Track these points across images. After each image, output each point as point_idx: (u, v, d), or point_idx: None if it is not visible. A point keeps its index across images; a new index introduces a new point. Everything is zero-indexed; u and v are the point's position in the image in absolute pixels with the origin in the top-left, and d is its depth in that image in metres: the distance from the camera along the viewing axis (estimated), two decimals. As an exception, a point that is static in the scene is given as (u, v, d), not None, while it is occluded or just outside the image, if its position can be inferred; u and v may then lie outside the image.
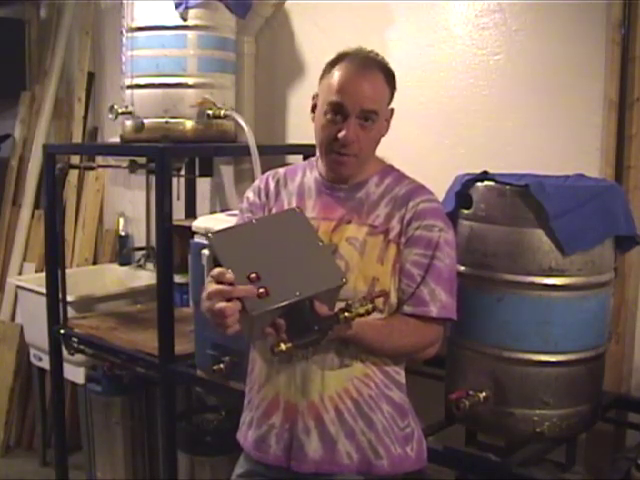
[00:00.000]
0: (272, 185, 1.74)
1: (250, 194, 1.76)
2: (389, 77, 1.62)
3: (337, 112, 1.57)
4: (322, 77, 1.63)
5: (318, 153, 1.66)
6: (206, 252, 2.28)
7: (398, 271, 1.59)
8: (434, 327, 1.62)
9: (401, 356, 1.66)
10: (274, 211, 1.70)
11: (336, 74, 1.58)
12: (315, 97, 1.65)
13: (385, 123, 1.65)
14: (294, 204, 1.67)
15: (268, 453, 1.65)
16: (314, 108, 1.65)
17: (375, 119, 1.58)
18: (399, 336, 1.60)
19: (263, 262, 1.44)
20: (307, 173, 1.72)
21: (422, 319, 1.59)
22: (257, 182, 1.78)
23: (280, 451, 1.63)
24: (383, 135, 1.66)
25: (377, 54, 1.64)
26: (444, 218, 1.65)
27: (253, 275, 1.40)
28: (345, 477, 1.61)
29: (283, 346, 1.39)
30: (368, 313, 1.45)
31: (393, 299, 1.60)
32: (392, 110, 1.67)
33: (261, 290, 1.38)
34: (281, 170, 1.78)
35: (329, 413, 1.59)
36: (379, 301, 1.53)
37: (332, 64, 1.61)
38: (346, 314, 1.43)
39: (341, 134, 1.56)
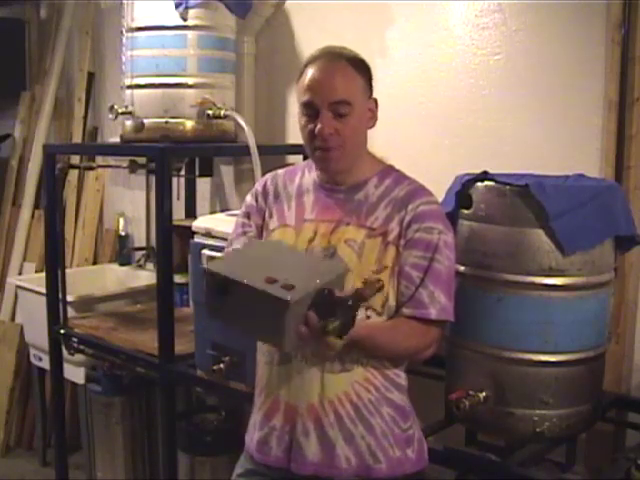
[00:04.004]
0: (271, 188, 1.74)
1: (248, 197, 1.78)
2: (359, 66, 1.61)
3: (310, 111, 1.58)
4: (297, 84, 1.64)
5: (310, 157, 1.67)
6: (206, 251, 2.29)
7: (397, 273, 1.59)
8: (433, 329, 1.62)
9: (402, 358, 1.66)
10: (275, 213, 1.71)
11: (304, 76, 1.60)
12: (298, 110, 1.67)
13: (369, 113, 1.64)
14: (293, 206, 1.69)
15: (269, 455, 1.65)
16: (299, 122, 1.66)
17: (349, 109, 1.57)
18: (402, 338, 1.61)
19: (271, 269, 1.46)
20: (306, 174, 1.73)
21: (421, 321, 1.59)
22: (257, 185, 1.79)
23: (281, 452, 1.63)
24: (370, 127, 1.66)
25: (345, 48, 1.64)
26: (444, 220, 1.64)
27: (270, 277, 1.42)
28: None
29: (334, 339, 1.41)
30: (380, 289, 1.52)
31: (392, 301, 1.60)
32: (375, 100, 1.65)
33: (286, 284, 1.40)
34: (280, 172, 1.78)
35: (328, 417, 1.59)
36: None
37: (302, 68, 1.63)
38: (365, 288, 1.49)
39: (317, 129, 1.57)
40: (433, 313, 1.59)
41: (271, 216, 1.71)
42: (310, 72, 1.59)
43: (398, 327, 1.60)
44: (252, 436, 1.72)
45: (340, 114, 1.56)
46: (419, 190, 1.65)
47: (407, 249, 1.59)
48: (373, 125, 1.66)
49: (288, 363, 1.61)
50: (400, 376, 1.66)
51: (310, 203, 1.67)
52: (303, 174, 1.73)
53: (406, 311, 1.59)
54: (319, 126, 1.56)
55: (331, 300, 1.41)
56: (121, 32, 2.79)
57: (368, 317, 1.57)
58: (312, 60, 1.61)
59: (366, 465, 1.60)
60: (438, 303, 1.59)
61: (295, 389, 1.61)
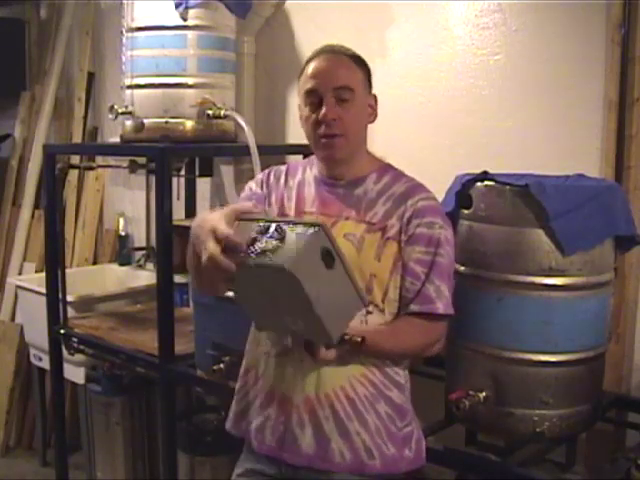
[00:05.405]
0: (273, 180, 1.78)
1: (252, 184, 1.81)
2: (358, 62, 1.67)
3: (313, 98, 1.62)
4: (298, 81, 1.69)
5: (313, 148, 1.69)
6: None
7: (400, 269, 1.60)
8: (439, 324, 1.64)
9: (410, 357, 1.68)
10: (274, 203, 1.73)
11: (306, 69, 1.65)
12: (299, 105, 1.70)
13: (370, 109, 1.69)
14: (294, 198, 1.72)
15: (263, 443, 1.66)
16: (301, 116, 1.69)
17: (351, 95, 1.62)
18: (407, 338, 1.62)
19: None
20: (307, 170, 1.76)
21: (428, 317, 1.60)
22: (260, 175, 1.82)
23: (274, 442, 1.64)
24: (370, 122, 1.70)
25: (344, 46, 1.70)
26: (443, 216, 1.66)
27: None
28: (342, 477, 1.61)
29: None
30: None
31: (391, 295, 1.61)
32: (375, 97, 1.70)
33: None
34: (283, 167, 1.82)
35: (324, 410, 1.59)
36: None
37: (304, 65, 1.67)
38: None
39: (321, 114, 1.60)
40: (440, 308, 1.60)
41: (270, 205, 1.74)
42: (313, 64, 1.64)
43: (401, 328, 1.61)
44: (239, 424, 1.73)
45: (343, 99, 1.60)
46: (417, 187, 1.67)
47: (409, 245, 1.61)
48: (373, 120, 1.70)
49: (285, 355, 1.62)
50: (399, 374, 1.67)
51: (311, 197, 1.70)
52: (305, 170, 1.76)
53: (414, 307, 1.61)
54: (323, 111, 1.60)
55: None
56: (121, 32, 2.79)
57: (369, 312, 1.58)
58: (314, 56, 1.67)
59: (360, 461, 1.61)
60: (445, 297, 1.61)
61: (291, 381, 1.61)
